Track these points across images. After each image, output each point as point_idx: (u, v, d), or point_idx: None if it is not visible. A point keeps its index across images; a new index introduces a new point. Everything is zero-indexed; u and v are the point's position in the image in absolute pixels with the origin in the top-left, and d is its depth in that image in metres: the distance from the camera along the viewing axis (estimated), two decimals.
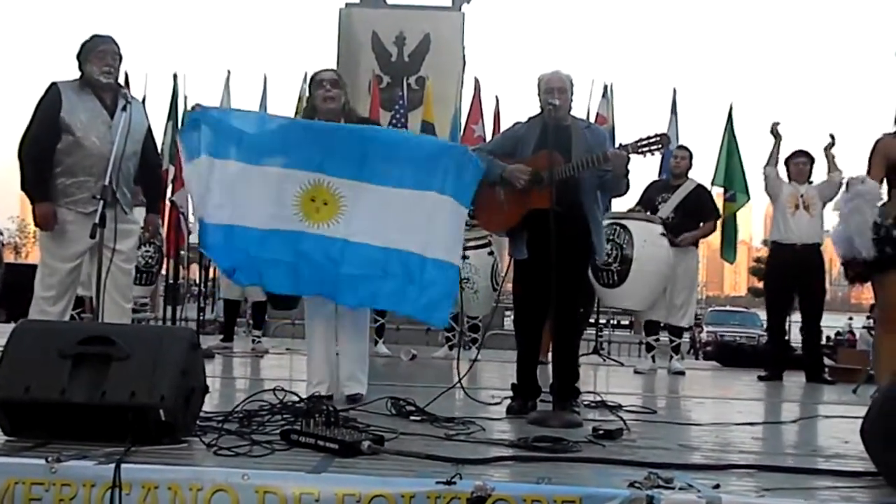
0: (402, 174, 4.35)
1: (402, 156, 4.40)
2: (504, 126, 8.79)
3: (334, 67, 5.10)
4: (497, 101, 10.20)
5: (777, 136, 7.33)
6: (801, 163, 7.35)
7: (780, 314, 7.55)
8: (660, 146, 4.41)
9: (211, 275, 12.52)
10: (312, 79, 4.71)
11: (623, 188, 4.64)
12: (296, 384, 4.60)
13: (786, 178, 7.36)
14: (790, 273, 7.20)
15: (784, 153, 7.40)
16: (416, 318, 4.52)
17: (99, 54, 4.55)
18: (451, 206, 4.34)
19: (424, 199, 4.32)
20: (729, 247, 9.00)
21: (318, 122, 4.53)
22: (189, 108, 4.49)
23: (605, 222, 6.72)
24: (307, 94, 9.99)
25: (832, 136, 7.25)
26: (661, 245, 6.83)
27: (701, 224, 7.37)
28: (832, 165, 7.22)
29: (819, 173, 7.39)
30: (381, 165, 4.35)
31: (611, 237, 6.59)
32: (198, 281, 12.42)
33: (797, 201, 7.19)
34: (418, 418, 3.93)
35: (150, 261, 7.81)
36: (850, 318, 25.98)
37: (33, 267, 5.05)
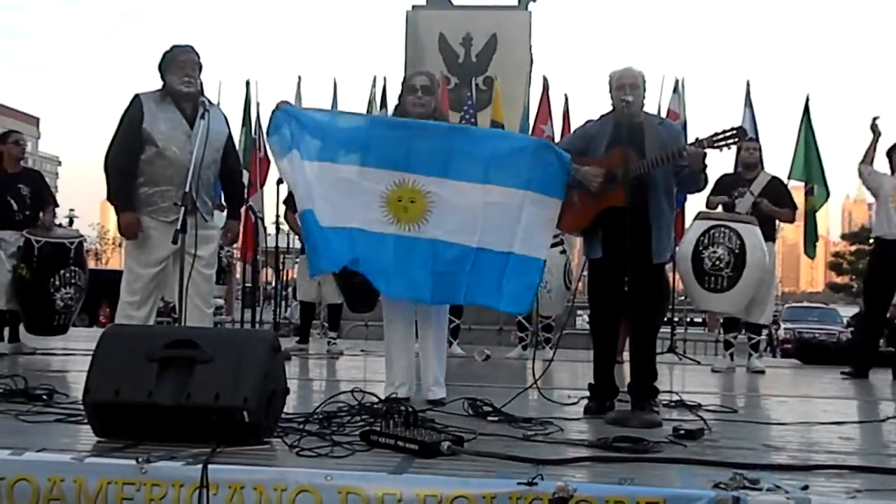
0: (488, 170, 4.37)
1: (486, 152, 4.43)
2: (574, 125, 8.76)
3: (425, 70, 5.10)
4: (566, 99, 10.15)
5: (876, 132, 6.98)
6: None
7: (881, 311, 7.16)
8: (736, 139, 4.33)
9: (284, 277, 12.75)
10: (404, 81, 4.72)
11: (701, 183, 4.57)
12: (371, 385, 4.64)
13: (888, 171, 7.01)
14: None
15: (883, 146, 7.04)
16: (499, 309, 4.56)
17: (179, 64, 4.62)
18: (538, 200, 4.35)
19: (510, 195, 4.34)
20: (810, 242, 8.81)
21: (401, 119, 4.55)
22: (275, 106, 4.51)
23: (708, 224, 6.53)
24: (376, 97, 10.16)
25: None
26: (763, 249, 6.55)
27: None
28: None
29: None
30: (466, 162, 4.37)
31: (721, 240, 6.40)
32: (274, 283, 12.67)
33: None
34: (496, 419, 3.93)
35: (230, 260, 7.86)
36: None
37: (114, 273, 5.18)
